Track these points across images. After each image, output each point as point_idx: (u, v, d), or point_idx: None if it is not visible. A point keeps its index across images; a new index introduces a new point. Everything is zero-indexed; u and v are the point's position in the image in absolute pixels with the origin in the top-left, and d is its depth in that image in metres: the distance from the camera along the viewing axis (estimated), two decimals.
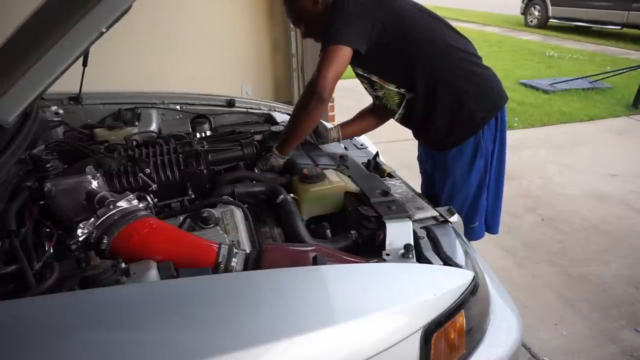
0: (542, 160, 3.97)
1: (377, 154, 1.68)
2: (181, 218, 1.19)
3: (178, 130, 1.82)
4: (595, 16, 9.22)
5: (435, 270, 1.04)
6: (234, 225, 1.17)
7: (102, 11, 1.03)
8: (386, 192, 1.28)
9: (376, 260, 1.07)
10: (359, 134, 1.91)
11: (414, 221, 1.19)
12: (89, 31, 1.04)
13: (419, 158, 1.93)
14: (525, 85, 6.21)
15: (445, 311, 0.91)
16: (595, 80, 6.16)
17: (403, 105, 1.63)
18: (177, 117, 2.04)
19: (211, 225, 1.14)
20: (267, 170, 1.54)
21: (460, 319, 0.93)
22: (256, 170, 1.53)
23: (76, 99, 1.92)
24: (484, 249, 2.13)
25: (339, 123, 1.87)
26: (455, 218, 1.25)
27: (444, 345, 0.91)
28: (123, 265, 0.92)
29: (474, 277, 1.01)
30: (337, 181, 1.35)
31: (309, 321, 0.82)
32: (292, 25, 3.36)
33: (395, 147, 3.43)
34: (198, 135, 1.83)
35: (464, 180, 1.65)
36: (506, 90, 1.68)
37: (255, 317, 0.83)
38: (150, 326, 0.80)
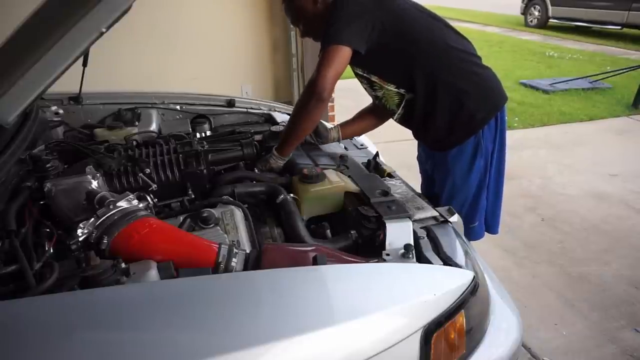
0: (542, 160, 3.97)
1: (377, 154, 1.68)
2: (181, 218, 1.19)
3: (178, 130, 1.82)
4: (595, 16, 9.22)
5: (435, 270, 1.04)
6: (234, 225, 1.17)
7: (102, 11, 1.03)
8: (386, 192, 1.28)
9: (376, 260, 1.07)
10: (359, 134, 1.91)
11: (414, 221, 1.19)
12: (89, 31, 1.04)
13: (419, 158, 1.93)
14: (525, 85, 6.21)
15: (445, 311, 0.91)
16: (595, 80, 6.16)
17: (402, 105, 1.63)
18: (177, 117, 2.04)
19: (211, 225, 1.14)
20: (266, 171, 1.54)
21: (460, 319, 0.93)
22: (256, 171, 1.53)
23: (76, 99, 1.92)
24: (484, 249, 2.13)
25: (339, 123, 1.88)
26: (455, 218, 1.25)
27: (444, 345, 0.91)
28: (123, 265, 0.92)
29: (474, 277, 1.01)
30: (337, 181, 1.35)
31: (309, 321, 0.82)
32: (292, 25, 3.35)
33: (395, 147, 3.43)
34: (198, 135, 1.83)
35: (464, 180, 1.65)
36: (506, 90, 1.68)
37: (255, 317, 0.83)
38: (150, 326, 0.80)
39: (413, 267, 1.03)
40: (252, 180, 1.44)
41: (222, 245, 1.00)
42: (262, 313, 0.84)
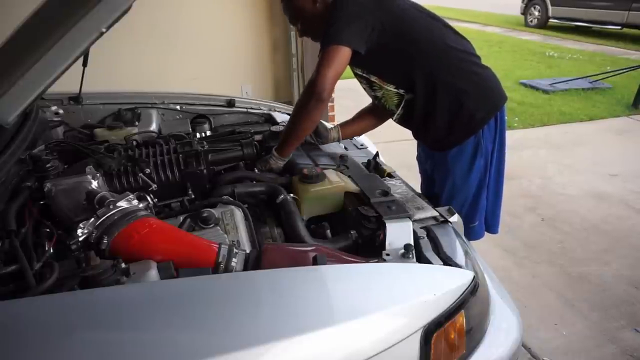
0: (542, 160, 3.97)
1: (377, 154, 1.68)
2: (181, 218, 1.19)
3: (178, 130, 1.82)
4: (595, 16, 9.22)
5: (435, 270, 1.04)
6: (234, 225, 1.17)
7: (102, 11, 1.03)
8: (386, 192, 1.28)
9: (376, 260, 1.07)
10: (359, 134, 1.91)
11: (414, 221, 1.19)
12: (89, 31, 1.04)
13: (419, 158, 1.93)
14: (525, 85, 6.21)
15: (445, 311, 0.91)
16: (595, 80, 6.16)
17: (402, 105, 1.63)
18: (177, 117, 2.04)
19: (211, 225, 1.14)
20: (266, 171, 1.54)
21: (460, 319, 0.93)
22: (256, 171, 1.53)
23: (76, 99, 1.92)
24: (484, 249, 2.13)
25: (338, 123, 1.88)
26: (455, 218, 1.25)
27: (444, 345, 0.91)
28: (123, 265, 0.92)
29: (474, 277, 1.01)
30: (337, 181, 1.35)
31: (309, 321, 0.82)
32: (291, 25, 3.36)
33: (395, 147, 3.42)
34: (198, 135, 1.83)
35: (464, 180, 1.65)
36: (506, 90, 1.68)
37: (255, 317, 0.83)
38: (150, 326, 0.80)
39: (413, 267, 1.03)
40: (252, 180, 1.44)
41: (222, 245, 1.00)
42: (262, 313, 0.84)
